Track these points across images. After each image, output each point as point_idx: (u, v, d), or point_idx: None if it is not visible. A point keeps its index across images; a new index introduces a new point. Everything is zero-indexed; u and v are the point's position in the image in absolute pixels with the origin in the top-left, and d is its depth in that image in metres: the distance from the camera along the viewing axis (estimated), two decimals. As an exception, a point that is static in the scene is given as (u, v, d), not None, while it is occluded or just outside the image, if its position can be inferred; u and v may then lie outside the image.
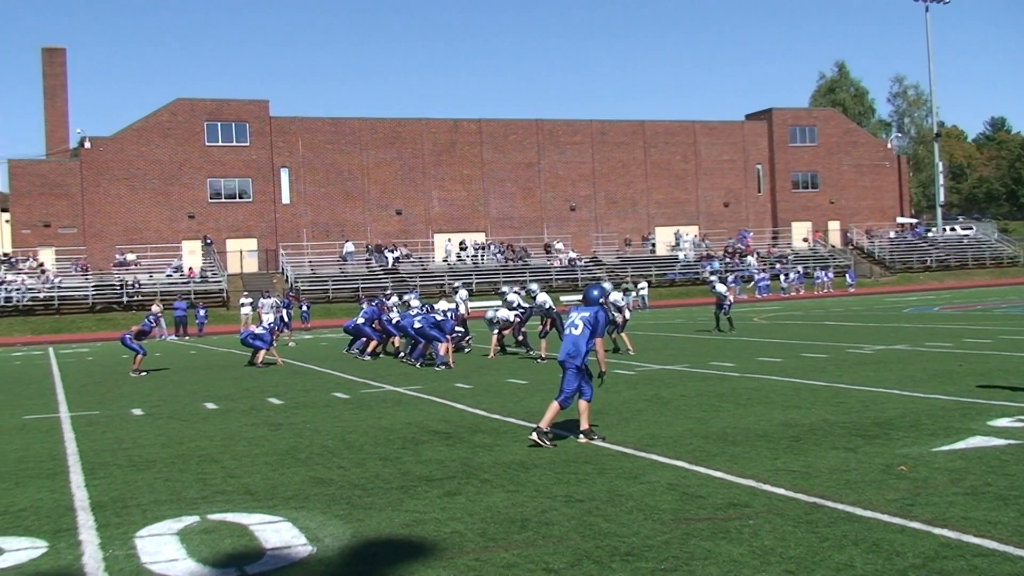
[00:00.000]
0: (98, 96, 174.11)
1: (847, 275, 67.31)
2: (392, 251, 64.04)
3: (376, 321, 26.64)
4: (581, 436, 11.03)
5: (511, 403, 14.96)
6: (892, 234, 79.56)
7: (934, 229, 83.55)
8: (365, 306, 28.16)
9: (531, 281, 30.07)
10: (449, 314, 25.01)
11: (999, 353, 19.24)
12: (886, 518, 7.16)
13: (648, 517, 7.50)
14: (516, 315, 25.16)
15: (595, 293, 11.47)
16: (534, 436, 10.75)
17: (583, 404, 11.05)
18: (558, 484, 8.82)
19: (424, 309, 24.84)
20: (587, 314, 11.14)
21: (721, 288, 30.55)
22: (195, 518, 8.15)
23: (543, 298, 23.91)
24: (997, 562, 6.07)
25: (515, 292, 26.33)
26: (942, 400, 13.05)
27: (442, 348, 22.25)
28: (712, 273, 58.62)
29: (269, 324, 26.66)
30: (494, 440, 11.47)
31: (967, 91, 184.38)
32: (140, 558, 7.05)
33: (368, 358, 25.55)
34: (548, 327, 23.32)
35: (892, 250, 76.31)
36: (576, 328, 11.08)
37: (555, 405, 10.87)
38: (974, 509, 7.30)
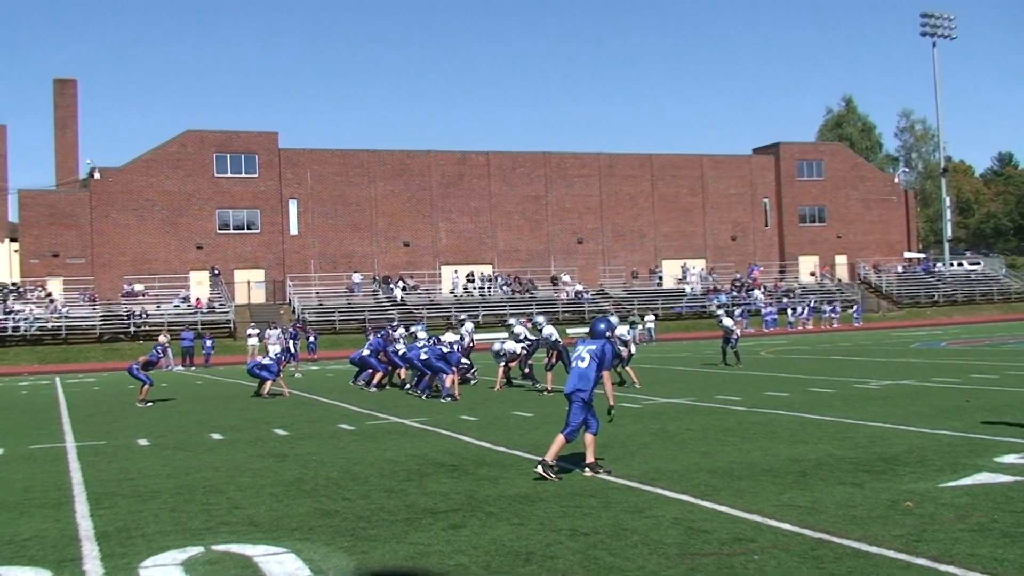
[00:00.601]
0: (108, 127, 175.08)
1: (854, 311, 67.22)
2: (398, 284, 64.10)
3: (382, 353, 26.66)
4: (587, 470, 11.01)
5: (517, 436, 14.94)
6: (899, 269, 79.50)
7: (941, 264, 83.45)
8: (371, 338, 28.17)
9: (537, 314, 30.08)
10: (455, 346, 25.03)
11: (1006, 389, 19.19)
12: (892, 554, 7.14)
13: (653, 551, 7.48)
14: (523, 347, 25.15)
15: (602, 326, 11.46)
16: (539, 469, 10.74)
17: (589, 437, 11.03)
18: (563, 517, 8.81)
19: (431, 341, 24.86)
20: (594, 347, 11.14)
21: (728, 322, 30.53)
22: (199, 549, 8.14)
23: (549, 331, 23.91)
24: (1003, 599, 6.04)
25: (521, 324, 26.33)
26: (949, 436, 13.01)
27: (448, 380, 22.25)
28: (719, 307, 58.65)
29: (276, 355, 26.67)
30: (499, 473, 11.45)
31: (975, 126, 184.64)
32: (144, 589, 7.04)
33: (374, 390, 25.54)
34: (554, 360, 23.32)
35: (899, 285, 76.22)
36: (583, 361, 11.08)
37: (560, 438, 10.86)
38: (980, 546, 7.28)
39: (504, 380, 24.96)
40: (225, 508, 9.95)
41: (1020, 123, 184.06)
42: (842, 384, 21.74)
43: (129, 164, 62.63)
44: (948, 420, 14.68)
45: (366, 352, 26.83)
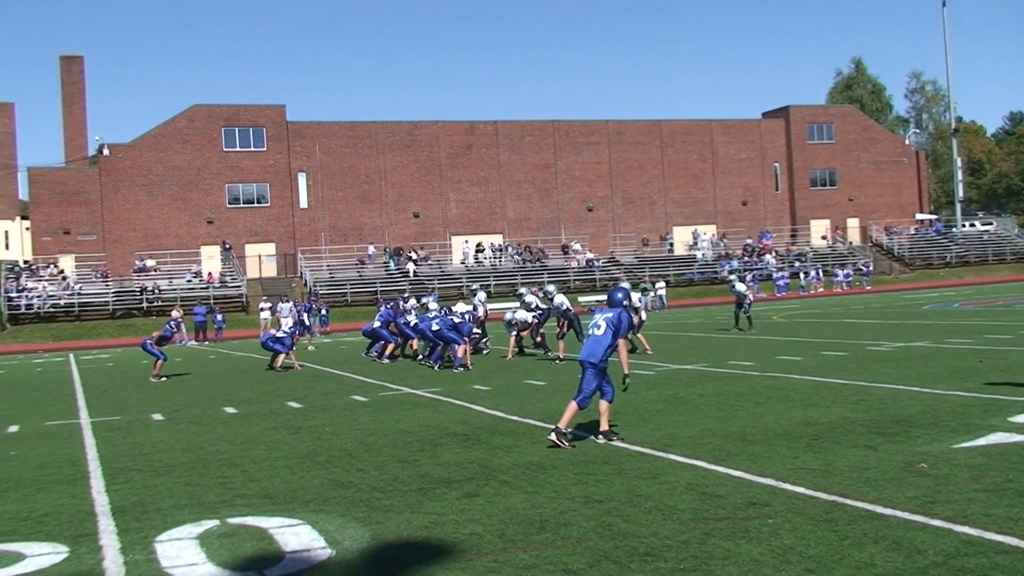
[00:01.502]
0: (116, 103, 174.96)
1: (863, 269, 67.01)
2: (410, 257, 64.10)
3: (392, 324, 26.69)
4: (600, 437, 11.02)
5: (529, 405, 14.95)
6: (911, 231, 79.25)
7: (953, 225, 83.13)
8: (382, 309, 28.20)
9: (549, 282, 29.98)
10: (467, 316, 25.02)
11: (1020, 349, 19.12)
12: (906, 516, 7.13)
13: (667, 517, 7.49)
14: (534, 316, 25.15)
15: (619, 295, 11.53)
16: (553, 437, 10.76)
17: (604, 405, 11.05)
18: (577, 485, 8.81)
19: (442, 312, 24.87)
20: (611, 315, 11.17)
21: (741, 287, 30.47)
22: (215, 522, 8.17)
23: (560, 299, 23.88)
24: (1019, 559, 6.03)
25: (532, 293, 26.31)
26: (962, 397, 12.98)
27: (460, 350, 22.27)
28: (731, 272, 58.50)
29: (289, 328, 26.72)
30: (512, 442, 11.46)
31: (985, 86, 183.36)
32: (160, 563, 7.08)
33: (386, 361, 25.59)
34: (566, 328, 23.32)
35: (911, 247, 75.99)
36: (599, 329, 11.09)
37: (573, 405, 10.87)
38: (995, 506, 7.26)
39: (516, 349, 24.98)
40: (240, 481, 9.99)
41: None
42: (855, 347, 21.70)
43: (137, 140, 62.64)
44: (962, 381, 14.64)
45: (377, 324, 26.88)
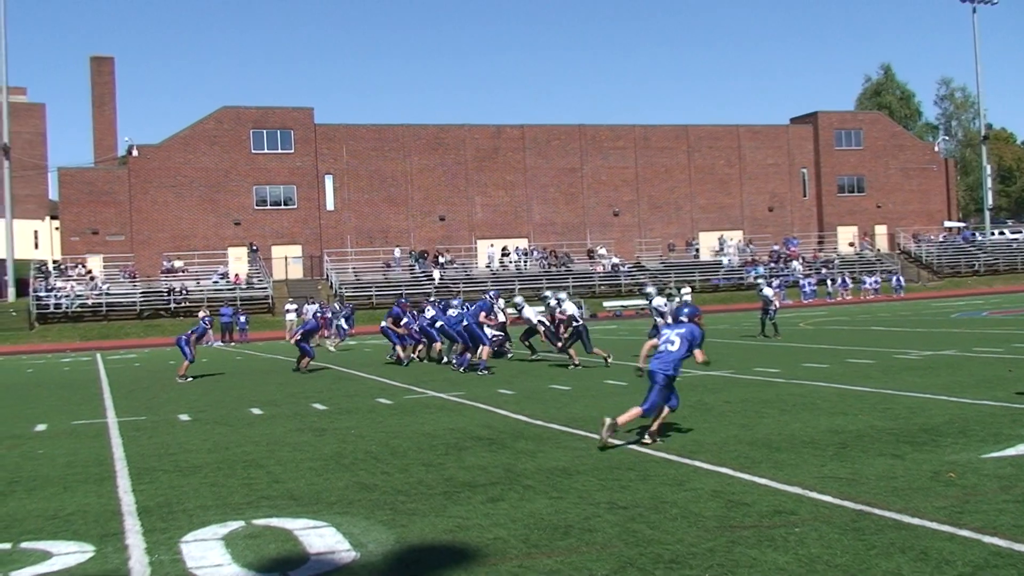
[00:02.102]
0: (145, 105, 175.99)
1: (893, 282, 66.61)
2: (438, 260, 64.17)
3: (398, 322, 26.53)
4: (646, 436, 11.12)
5: (554, 409, 14.93)
6: (940, 238, 78.76)
7: (982, 233, 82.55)
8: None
9: (561, 289, 29.28)
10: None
11: (1050, 358, 18.96)
12: (934, 526, 7.07)
13: (692, 524, 7.45)
14: (538, 322, 24.84)
15: (686, 310, 11.90)
16: (605, 432, 10.82)
17: (666, 410, 11.40)
18: (601, 491, 8.79)
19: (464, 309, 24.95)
20: (683, 331, 11.52)
21: (768, 292, 30.31)
22: (240, 523, 8.19)
23: (569, 308, 23.46)
24: (1049, 571, 5.97)
25: (560, 299, 25.97)
26: (991, 406, 12.88)
27: (484, 351, 22.28)
28: (758, 277, 58.30)
29: (311, 321, 26.92)
30: (537, 446, 11.45)
31: (1016, 92, 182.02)
32: (185, 563, 7.10)
33: (389, 359, 25.77)
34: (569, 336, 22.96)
35: (939, 254, 75.53)
36: (672, 344, 11.41)
37: (637, 410, 11.14)
38: (1025, 517, 7.20)
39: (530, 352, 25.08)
40: (265, 482, 10.01)
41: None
42: (882, 355, 21.57)
43: (166, 141, 63.04)
44: (990, 390, 14.52)
45: (383, 323, 27.11)
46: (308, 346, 25.10)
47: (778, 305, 31.43)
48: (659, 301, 23.01)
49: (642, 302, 58.41)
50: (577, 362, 22.21)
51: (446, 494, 8.97)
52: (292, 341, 27.15)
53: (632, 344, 30.21)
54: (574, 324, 22.74)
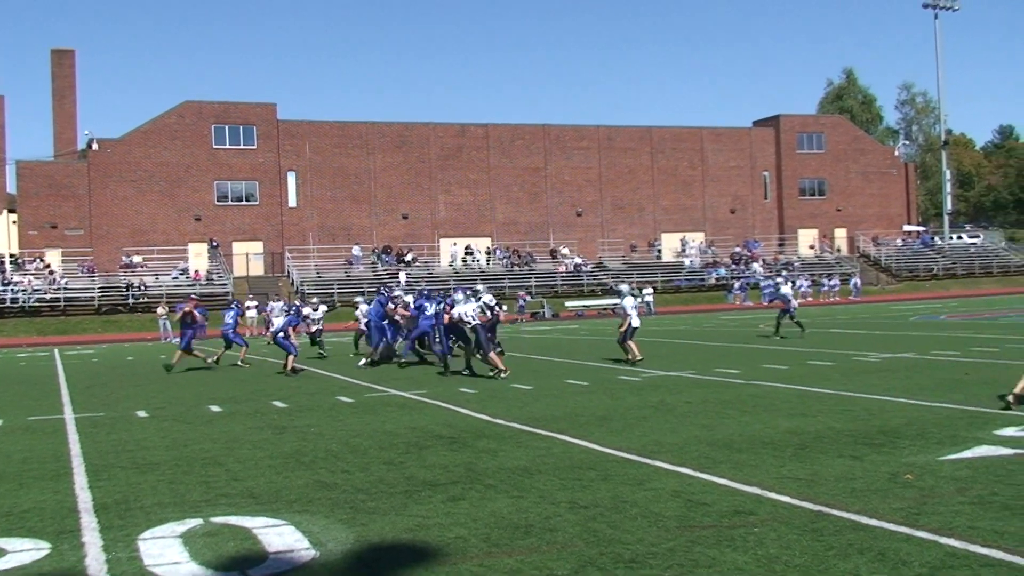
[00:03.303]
0: (107, 98, 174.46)
1: (852, 285, 67.13)
2: (406, 260, 64.10)
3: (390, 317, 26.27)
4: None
5: (516, 408, 14.92)
6: (899, 242, 79.48)
7: (941, 237, 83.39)
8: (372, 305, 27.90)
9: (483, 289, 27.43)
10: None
11: (1006, 362, 19.17)
12: (892, 527, 7.13)
13: (653, 524, 7.47)
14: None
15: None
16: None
17: None
18: (562, 490, 8.80)
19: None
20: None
21: (786, 290, 30.37)
22: (198, 521, 8.13)
23: (462, 310, 22.27)
24: (1003, 572, 6.04)
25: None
26: (948, 409, 13.00)
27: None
28: (772, 275, 58.52)
29: (283, 321, 26.47)
30: (498, 445, 11.44)
31: (976, 99, 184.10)
32: (143, 560, 7.03)
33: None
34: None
35: (899, 258, 76.23)
36: None
37: None
38: (980, 518, 7.27)
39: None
40: (224, 480, 9.94)
41: (1021, 96, 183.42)
42: (841, 357, 21.73)
43: (127, 135, 62.50)
44: (948, 393, 14.66)
45: (364, 320, 26.84)
46: (288, 342, 24.22)
47: (796, 304, 31.25)
48: (629, 301, 22.44)
49: (611, 301, 58.73)
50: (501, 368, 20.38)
51: (407, 493, 8.95)
52: (270, 339, 26.93)
53: (594, 344, 30.28)
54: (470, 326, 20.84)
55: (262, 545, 7.32)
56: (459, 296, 22.00)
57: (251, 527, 7.85)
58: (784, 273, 61.67)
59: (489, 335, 20.85)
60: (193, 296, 28.47)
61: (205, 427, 14.21)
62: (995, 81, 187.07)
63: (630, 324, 22.26)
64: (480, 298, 21.45)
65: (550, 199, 71.26)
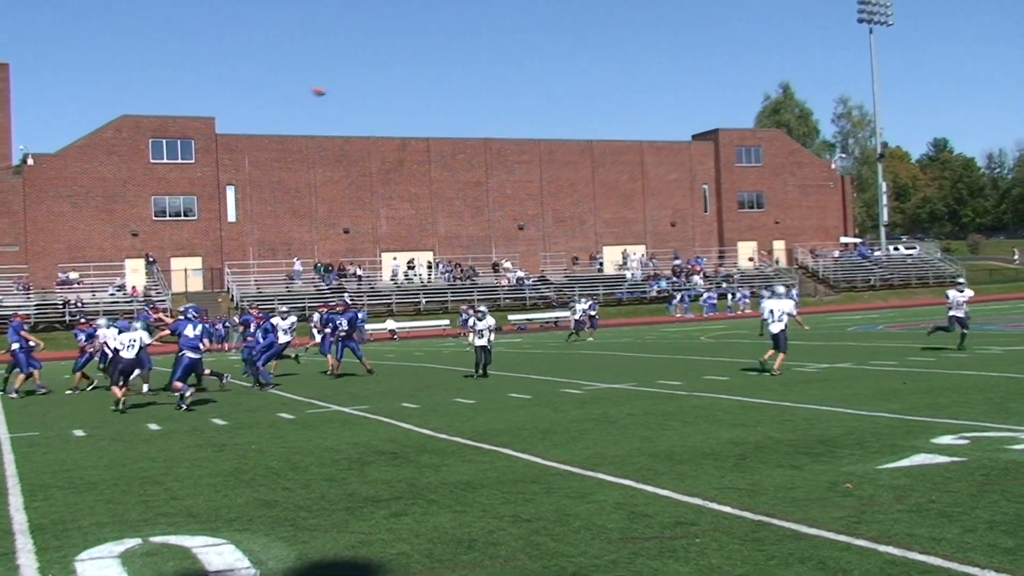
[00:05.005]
0: (42, 112, 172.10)
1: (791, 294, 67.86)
2: (356, 273, 63.94)
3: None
4: None
5: (458, 423, 14.89)
6: (836, 253, 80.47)
7: (878, 248, 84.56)
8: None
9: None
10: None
11: (943, 371, 19.46)
12: (832, 536, 7.19)
13: (595, 536, 7.48)
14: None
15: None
16: None
17: None
18: (505, 504, 8.78)
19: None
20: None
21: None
22: (137, 541, 8.01)
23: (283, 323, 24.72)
24: (941, 579, 6.11)
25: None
26: (886, 418, 13.16)
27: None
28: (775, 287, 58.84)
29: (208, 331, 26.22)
30: (441, 460, 11.40)
31: (911, 112, 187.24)
32: (79, 582, 6.92)
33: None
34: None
35: (836, 269, 77.15)
36: None
37: None
38: (919, 526, 7.36)
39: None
40: (162, 499, 9.81)
41: (956, 109, 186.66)
42: (781, 368, 21.89)
43: (63, 150, 61.67)
44: (886, 402, 14.84)
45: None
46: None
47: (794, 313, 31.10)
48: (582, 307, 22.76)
49: (553, 314, 58.90)
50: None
51: (348, 509, 8.89)
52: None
53: (537, 358, 30.30)
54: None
55: (201, 564, 7.23)
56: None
57: (190, 546, 7.75)
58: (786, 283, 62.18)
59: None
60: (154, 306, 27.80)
61: (143, 445, 14.01)
62: (929, 95, 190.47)
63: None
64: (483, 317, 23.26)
65: (492, 213, 71.33)
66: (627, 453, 11.28)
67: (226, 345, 46.90)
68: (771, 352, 20.74)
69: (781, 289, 22.20)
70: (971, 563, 6.39)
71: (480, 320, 23.15)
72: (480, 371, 22.86)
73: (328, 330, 26.63)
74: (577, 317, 41.38)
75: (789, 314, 21.28)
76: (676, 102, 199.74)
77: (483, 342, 22.83)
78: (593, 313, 42.18)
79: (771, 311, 20.96)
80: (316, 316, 28.36)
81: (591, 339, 23.08)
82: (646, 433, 12.84)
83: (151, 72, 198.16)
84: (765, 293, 21.62)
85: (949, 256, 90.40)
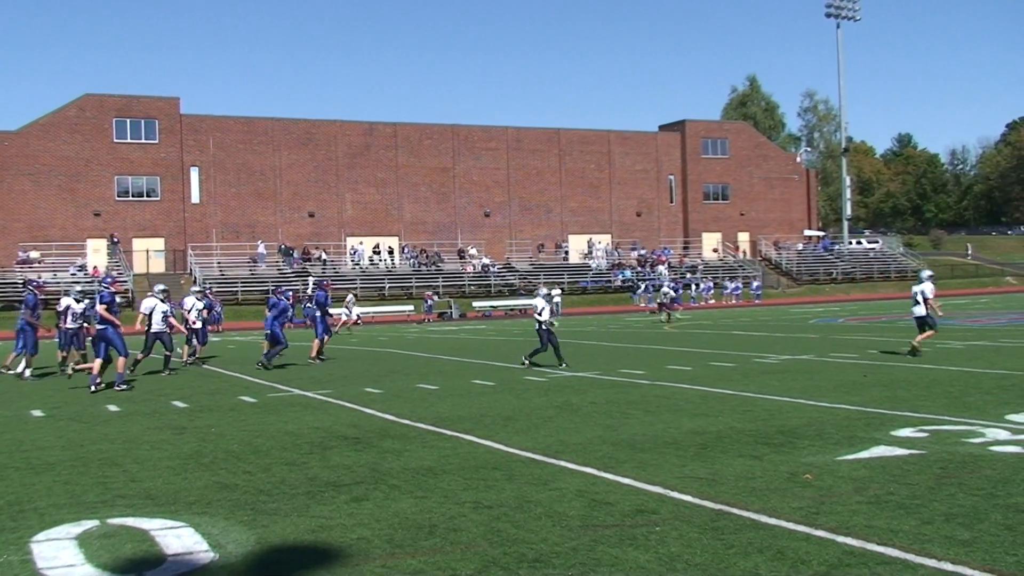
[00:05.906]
0: (3, 90, 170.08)
1: (753, 288, 68.28)
2: (321, 258, 63.71)
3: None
4: None
5: (421, 408, 14.86)
6: (800, 246, 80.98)
7: (841, 242, 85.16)
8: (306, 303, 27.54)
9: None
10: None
11: (903, 364, 19.62)
12: (791, 526, 7.23)
13: (556, 523, 7.48)
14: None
15: None
16: None
17: None
18: (467, 490, 8.77)
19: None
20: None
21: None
22: (95, 522, 7.94)
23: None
24: (899, 570, 6.15)
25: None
26: (847, 410, 13.25)
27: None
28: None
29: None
30: (403, 446, 11.38)
31: (876, 107, 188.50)
32: (36, 563, 6.84)
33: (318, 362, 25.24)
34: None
35: (799, 262, 77.64)
36: None
37: None
38: (877, 518, 7.41)
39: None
40: (121, 481, 9.73)
41: (920, 105, 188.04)
42: (742, 358, 22.04)
43: (25, 128, 61.02)
44: (846, 394, 14.94)
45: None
46: (281, 333, 24.02)
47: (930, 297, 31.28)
48: (541, 303, 22.03)
49: (518, 302, 58.85)
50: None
51: (309, 494, 8.85)
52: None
53: (501, 345, 30.30)
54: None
55: (160, 547, 7.17)
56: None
57: (149, 529, 7.69)
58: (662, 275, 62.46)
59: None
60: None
61: (102, 427, 13.90)
62: (894, 90, 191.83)
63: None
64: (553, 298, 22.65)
65: (458, 199, 71.24)
66: (589, 441, 11.30)
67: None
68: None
69: (926, 274, 22.83)
70: (928, 555, 6.44)
71: (549, 301, 22.38)
72: (557, 359, 21.71)
73: (319, 314, 26.26)
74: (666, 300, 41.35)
75: (926, 298, 22.16)
76: (644, 93, 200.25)
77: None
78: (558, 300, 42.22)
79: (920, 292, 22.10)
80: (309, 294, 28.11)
81: (555, 324, 23.16)
82: (608, 421, 12.86)
83: (116, 51, 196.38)
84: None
85: (911, 251, 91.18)
